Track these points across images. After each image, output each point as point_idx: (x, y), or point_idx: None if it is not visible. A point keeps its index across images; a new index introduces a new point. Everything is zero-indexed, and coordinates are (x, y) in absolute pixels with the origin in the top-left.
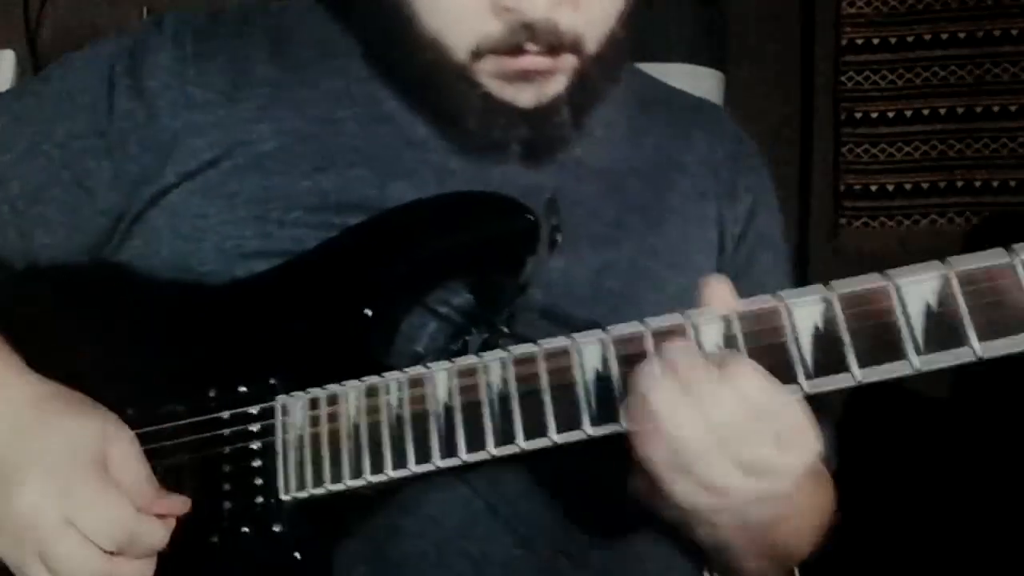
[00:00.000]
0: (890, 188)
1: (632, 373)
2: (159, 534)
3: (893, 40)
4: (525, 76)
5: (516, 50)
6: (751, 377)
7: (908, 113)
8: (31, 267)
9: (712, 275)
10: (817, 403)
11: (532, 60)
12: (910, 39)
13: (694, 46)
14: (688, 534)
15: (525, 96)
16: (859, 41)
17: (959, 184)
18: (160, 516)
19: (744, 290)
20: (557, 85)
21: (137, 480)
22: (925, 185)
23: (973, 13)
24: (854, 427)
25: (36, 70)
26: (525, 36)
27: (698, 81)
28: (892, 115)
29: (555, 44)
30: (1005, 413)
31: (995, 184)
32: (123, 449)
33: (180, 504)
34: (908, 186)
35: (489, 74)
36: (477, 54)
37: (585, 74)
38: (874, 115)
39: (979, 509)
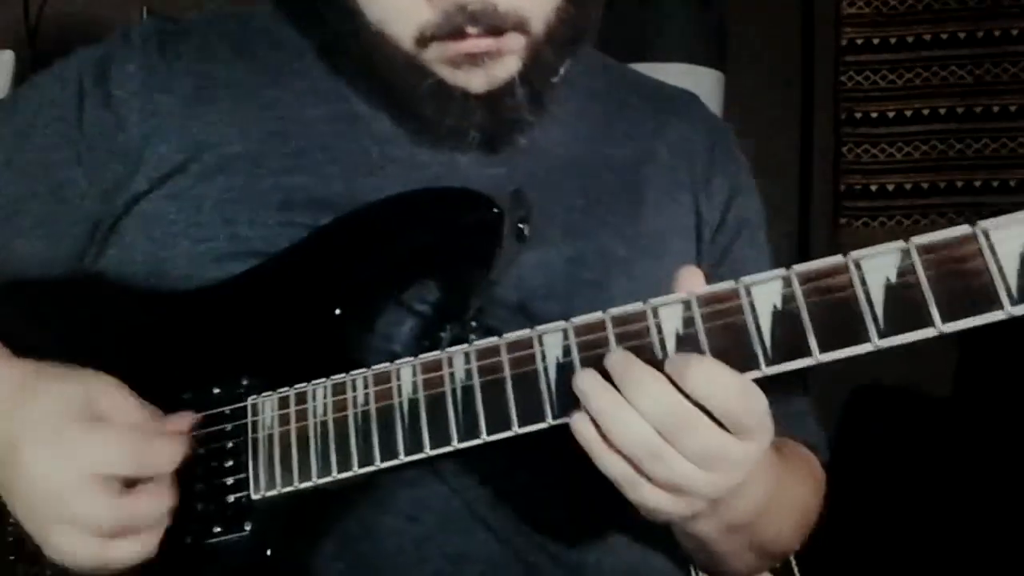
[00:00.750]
0: (890, 188)
1: (573, 385)
2: (172, 449)
3: (893, 40)
4: (472, 59)
5: (458, 34)
6: (700, 371)
7: (908, 113)
8: (11, 279)
9: (685, 265)
10: (798, 393)
11: (475, 43)
12: (910, 39)
13: (694, 46)
14: (674, 536)
15: (476, 80)
16: (859, 41)
17: (959, 184)
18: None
19: (726, 277)
20: (508, 67)
21: (134, 417)
22: (925, 185)
23: (973, 13)
24: (854, 427)
25: (36, 70)
26: (463, 19)
27: (698, 81)
28: (892, 115)
29: (497, 25)
30: (1006, 413)
31: (995, 184)
32: (111, 397)
33: (186, 421)
34: (908, 186)
35: (437, 60)
36: (421, 41)
37: (537, 54)
38: (874, 115)
39: (980, 508)
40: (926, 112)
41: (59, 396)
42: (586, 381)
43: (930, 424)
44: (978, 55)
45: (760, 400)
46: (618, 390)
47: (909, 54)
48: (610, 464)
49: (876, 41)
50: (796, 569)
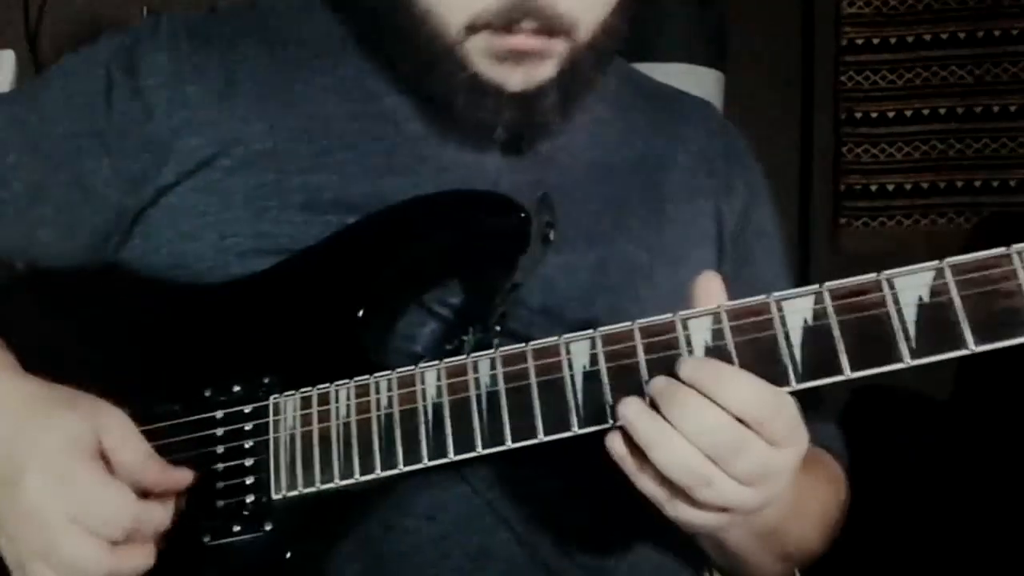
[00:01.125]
0: (890, 188)
1: (615, 409)
2: (163, 514)
3: (893, 40)
4: (516, 56)
5: (510, 27)
6: (733, 385)
7: (908, 113)
8: (32, 267)
9: (705, 271)
10: (814, 401)
11: (524, 40)
12: (910, 39)
13: (694, 46)
14: (698, 543)
15: (514, 78)
16: (859, 41)
17: (959, 184)
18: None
19: (744, 284)
20: (547, 70)
21: (136, 460)
22: (925, 185)
23: (973, 13)
24: (854, 427)
25: (36, 70)
26: (522, 12)
27: (698, 81)
28: (892, 115)
29: (551, 25)
30: (1006, 413)
31: (995, 184)
32: (117, 434)
33: (183, 477)
34: (908, 186)
35: (480, 52)
36: (471, 29)
37: (576, 61)
38: (874, 115)
39: (979, 510)
40: (926, 112)
41: (66, 427)
42: (631, 408)
43: (930, 426)
44: (978, 55)
45: (792, 406)
46: (663, 416)
47: (909, 54)
48: (648, 486)
49: (876, 41)
50: (796, 569)
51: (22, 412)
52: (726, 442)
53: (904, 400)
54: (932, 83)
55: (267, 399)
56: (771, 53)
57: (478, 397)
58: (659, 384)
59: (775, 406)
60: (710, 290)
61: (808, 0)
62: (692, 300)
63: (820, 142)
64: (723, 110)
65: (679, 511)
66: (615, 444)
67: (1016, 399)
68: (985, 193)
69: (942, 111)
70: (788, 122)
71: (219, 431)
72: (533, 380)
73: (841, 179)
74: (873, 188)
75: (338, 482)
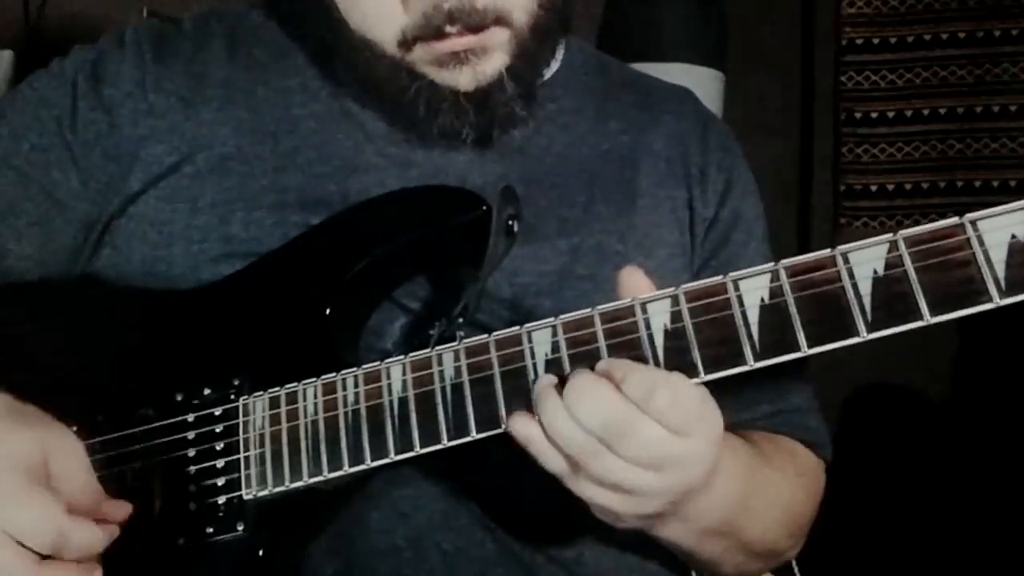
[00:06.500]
0: (890, 188)
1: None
2: (93, 536)
3: (893, 40)
4: (457, 58)
5: (439, 34)
6: (629, 371)
7: (908, 113)
8: (5, 279)
9: (627, 266)
10: (798, 388)
11: (457, 41)
12: (910, 39)
13: (694, 46)
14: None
15: (464, 78)
16: (859, 41)
17: (959, 184)
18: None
19: (720, 269)
20: (496, 62)
21: (78, 489)
22: (925, 185)
23: (973, 13)
24: (854, 427)
25: (36, 70)
26: (442, 19)
27: (698, 81)
28: (892, 115)
29: (477, 22)
30: (1005, 414)
31: (995, 184)
32: (64, 460)
33: (120, 510)
34: (908, 186)
35: (423, 62)
36: (404, 44)
37: (523, 46)
38: (874, 115)
39: (978, 509)
40: (926, 112)
41: (12, 444)
42: (541, 383)
43: (929, 425)
44: (978, 55)
45: (692, 397)
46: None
47: (909, 54)
48: (548, 459)
49: (876, 41)
50: (796, 569)
51: None
52: (612, 421)
53: (903, 400)
54: (932, 83)
55: (237, 400)
56: (771, 53)
57: (443, 389)
58: (576, 371)
59: (671, 394)
60: (637, 285)
61: (808, 0)
62: (618, 294)
63: (820, 142)
64: (723, 110)
65: (581, 487)
66: (519, 424)
67: (1015, 399)
68: (985, 193)
69: (942, 111)
70: (788, 122)
71: (191, 434)
72: (496, 370)
73: (841, 179)
74: (873, 188)
75: (307, 480)
